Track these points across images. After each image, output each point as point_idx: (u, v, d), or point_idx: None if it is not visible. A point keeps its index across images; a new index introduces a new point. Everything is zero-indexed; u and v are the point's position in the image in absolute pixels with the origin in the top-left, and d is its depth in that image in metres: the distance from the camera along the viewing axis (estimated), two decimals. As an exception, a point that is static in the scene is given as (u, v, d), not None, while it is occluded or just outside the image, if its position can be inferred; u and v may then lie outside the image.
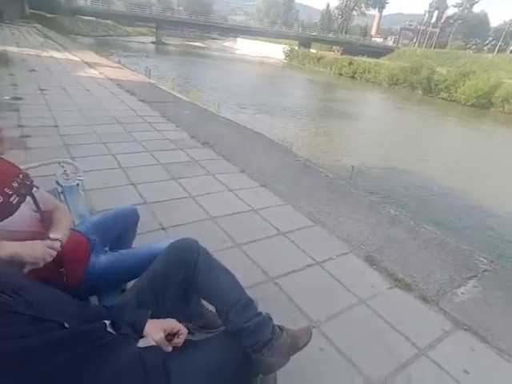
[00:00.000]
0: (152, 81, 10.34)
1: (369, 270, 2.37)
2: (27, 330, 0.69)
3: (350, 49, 43.59)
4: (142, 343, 0.95)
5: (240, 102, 14.20)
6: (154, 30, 49.68)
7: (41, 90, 6.42)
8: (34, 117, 4.77)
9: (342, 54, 43.09)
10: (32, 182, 1.27)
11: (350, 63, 33.07)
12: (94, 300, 1.40)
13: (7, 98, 5.46)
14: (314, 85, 26.99)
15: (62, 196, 2.11)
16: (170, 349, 0.99)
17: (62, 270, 1.21)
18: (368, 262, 2.44)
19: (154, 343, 0.96)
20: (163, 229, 2.59)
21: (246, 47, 55.70)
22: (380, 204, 3.49)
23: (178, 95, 8.34)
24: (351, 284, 2.18)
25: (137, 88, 7.91)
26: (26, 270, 1.00)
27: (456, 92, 23.77)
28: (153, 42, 46.01)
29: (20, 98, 5.54)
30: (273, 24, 63.92)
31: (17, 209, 1.10)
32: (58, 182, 2.23)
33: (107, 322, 0.92)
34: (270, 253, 2.45)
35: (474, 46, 51.58)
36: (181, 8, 71.73)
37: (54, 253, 1.08)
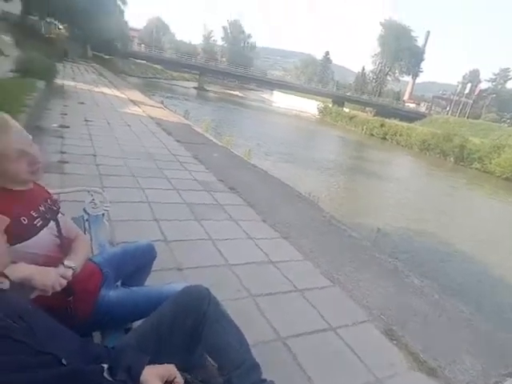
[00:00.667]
0: (189, 122, 10.89)
1: (388, 344, 2.19)
2: (26, 361, 0.66)
3: (383, 111, 44.60)
4: None
5: (270, 152, 14.59)
6: (197, 76, 53.65)
7: (86, 120, 6.90)
8: (75, 145, 5.08)
9: (374, 115, 44.00)
10: (59, 207, 1.31)
11: (382, 125, 33.61)
12: (96, 336, 1.36)
13: (55, 125, 5.89)
14: (345, 142, 27.48)
15: (86, 224, 2.16)
16: None
17: (70, 299, 1.19)
18: (388, 335, 2.26)
19: None
20: (179, 269, 2.56)
21: (282, 100, 58.35)
22: (404, 271, 3.32)
23: (212, 138, 8.69)
24: (367, 358, 2.01)
25: (174, 128, 8.34)
26: (33, 295, 0.98)
27: (490, 163, 23.32)
28: (195, 87, 49.44)
29: (67, 127, 5.95)
30: (309, 81, 67.27)
31: (39, 232, 1.13)
32: (85, 210, 2.29)
33: (105, 367, 0.88)
34: (284, 309, 2.34)
35: (508, 120, 51.51)
36: (224, 59, 77.26)
37: (65, 282, 1.07)
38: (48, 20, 31.50)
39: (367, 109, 50.41)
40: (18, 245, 1.05)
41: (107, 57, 37.83)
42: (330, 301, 2.55)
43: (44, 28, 31.38)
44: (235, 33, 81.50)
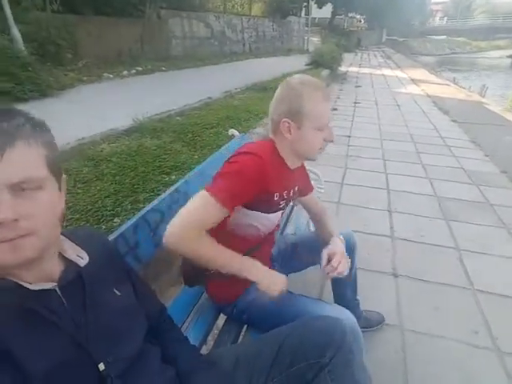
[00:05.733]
0: (484, 100, 8.75)
1: None
2: (58, 350, 0.56)
3: None
4: None
5: None
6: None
7: (355, 103, 6.95)
8: (335, 126, 5.19)
9: None
10: (296, 194, 1.23)
11: None
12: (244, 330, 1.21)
13: (325, 109, 6.28)
14: None
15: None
16: None
17: None
18: None
19: None
20: (395, 275, 2.05)
21: None
22: None
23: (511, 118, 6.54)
24: None
25: (455, 107, 6.91)
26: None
27: None
28: (509, 56, 39.34)
29: (335, 109, 6.22)
30: None
31: (276, 211, 1.10)
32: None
33: None
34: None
35: None
36: None
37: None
38: (350, 15, 34.71)
39: None
40: (253, 211, 1.04)
41: (401, 39, 37.03)
42: None
43: (347, 23, 34.87)
44: None
